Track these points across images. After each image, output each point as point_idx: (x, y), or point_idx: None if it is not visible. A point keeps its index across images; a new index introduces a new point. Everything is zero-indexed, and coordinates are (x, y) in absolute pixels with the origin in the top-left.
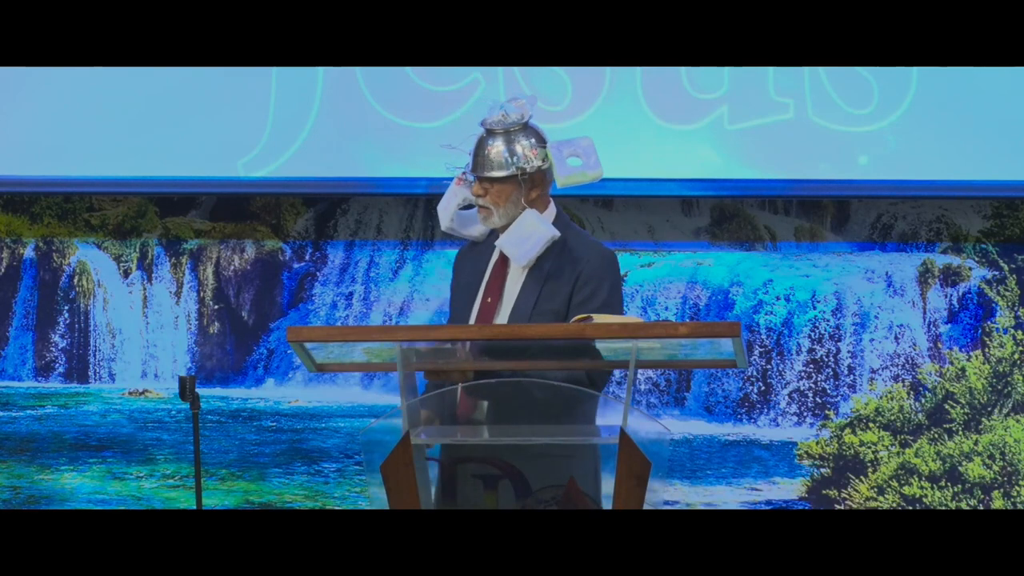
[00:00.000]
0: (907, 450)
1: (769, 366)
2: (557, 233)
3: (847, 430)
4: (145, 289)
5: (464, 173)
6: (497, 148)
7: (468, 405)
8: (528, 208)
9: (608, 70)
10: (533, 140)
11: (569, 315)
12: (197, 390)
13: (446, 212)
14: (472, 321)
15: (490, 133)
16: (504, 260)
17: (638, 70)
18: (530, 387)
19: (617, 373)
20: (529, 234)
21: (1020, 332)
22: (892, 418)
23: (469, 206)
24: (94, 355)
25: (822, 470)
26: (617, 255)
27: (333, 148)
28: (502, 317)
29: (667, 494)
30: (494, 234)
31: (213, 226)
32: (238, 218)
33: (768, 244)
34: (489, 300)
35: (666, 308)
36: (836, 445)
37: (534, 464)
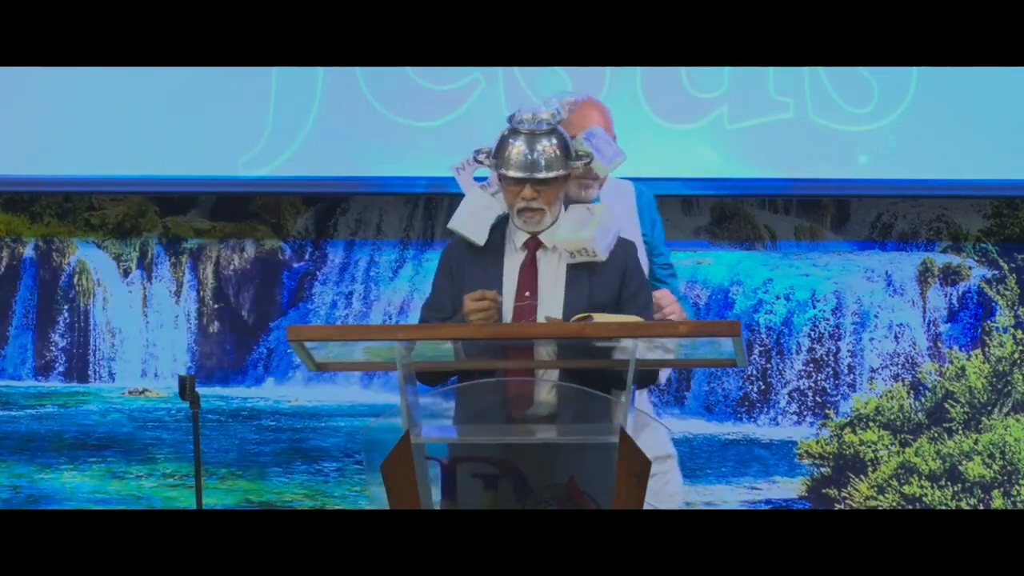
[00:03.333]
0: (907, 449)
1: (769, 365)
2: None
3: (847, 429)
4: (145, 288)
5: (488, 182)
6: (544, 147)
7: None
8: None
9: (608, 70)
10: (566, 136)
11: (621, 309)
12: (197, 389)
13: (481, 227)
14: (509, 319)
15: (532, 135)
16: (534, 257)
17: (638, 70)
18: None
19: None
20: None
21: (1020, 331)
22: (892, 417)
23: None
24: (94, 354)
25: (822, 469)
26: None
27: (333, 148)
28: (553, 312)
29: None
30: (495, 235)
31: (213, 225)
32: (238, 217)
33: (768, 243)
34: (527, 294)
35: None
36: (836, 444)
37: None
